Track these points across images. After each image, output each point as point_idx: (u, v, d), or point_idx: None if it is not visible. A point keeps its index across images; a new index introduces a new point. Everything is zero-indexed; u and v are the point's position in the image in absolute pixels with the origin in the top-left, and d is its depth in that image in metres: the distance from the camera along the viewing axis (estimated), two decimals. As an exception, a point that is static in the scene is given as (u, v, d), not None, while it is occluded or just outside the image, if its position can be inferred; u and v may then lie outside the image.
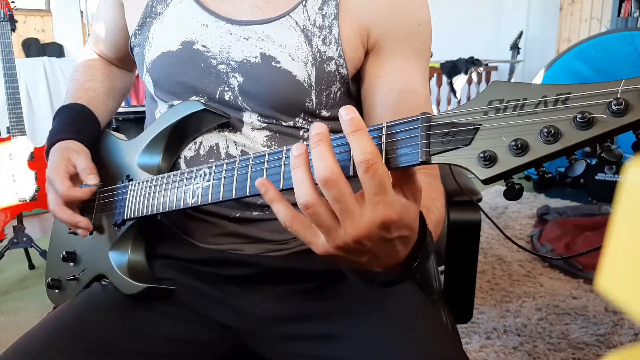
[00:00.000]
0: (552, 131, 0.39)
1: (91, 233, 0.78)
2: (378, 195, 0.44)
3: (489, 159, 0.41)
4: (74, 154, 0.78)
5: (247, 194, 0.56)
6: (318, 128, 0.46)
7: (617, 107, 0.37)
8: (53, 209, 0.76)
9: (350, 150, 0.45)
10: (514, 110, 0.41)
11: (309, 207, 0.45)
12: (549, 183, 0.41)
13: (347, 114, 0.44)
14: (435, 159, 0.44)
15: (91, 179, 0.75)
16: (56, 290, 0.87)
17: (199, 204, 0.62)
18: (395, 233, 0.46)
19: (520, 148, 0.40)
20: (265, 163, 0.54)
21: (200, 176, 0.62)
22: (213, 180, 0.60)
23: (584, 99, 0.38)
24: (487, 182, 0.42)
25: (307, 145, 0.47)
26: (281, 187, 0.52)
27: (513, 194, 0.43)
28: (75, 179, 0.77)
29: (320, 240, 0.47)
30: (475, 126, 0.42)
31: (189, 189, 0.64)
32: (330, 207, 0.45)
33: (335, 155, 0.45)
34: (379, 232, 0.45)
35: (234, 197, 0.57)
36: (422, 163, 0.44)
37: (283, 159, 0.52)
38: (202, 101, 0.73)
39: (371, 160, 0.43)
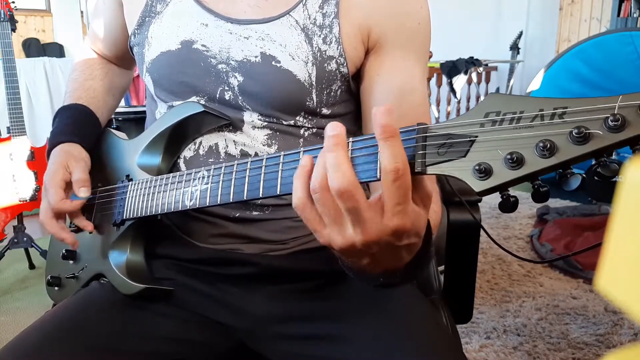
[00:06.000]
0: (548, 145, 0.39)
1: (90, 232, 0.78)
2: (400, 205, 0.43)
3: (484, 172, 0.41)
4: (72, 162, 0.77)
5: (245, 198, 0.56)
6: (335, 129, 0.44)
7: (613, 122, 0.37)
8: (42, 219, 0.76)
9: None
10: (510, 123, 0.41)
11: (316, 192, 0.44)
12: (544, 197, 0.41)
13: (381, 118, 0.42)
14: (430, 170, 0.44)
15: (82, 192, 0.75)
16: (56, 288, 0.88)
17: (197, 206, 0.62)
18: (405, 241, 0.46)
19: (516, 161, 0.40)
20: (263, 168, 0.54)
21: (199, 179, 0.62)
22: (211, 183, 0.60)
23: (581, 114, 0.38)
24: (482, 194, 0.42)
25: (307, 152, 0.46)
26: (278, 193, 0.52)
27: (508, 206, 0.43)
28: (70, 186, 0.77)
29: (326, 231, 0.46)
30: (471, 138, 0.42)
31: (187, 191, 0.64)
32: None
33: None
34: (390, 239, 0.45)
35: (231, 201, 0.57)
36: (417, 173, 0.44)
37: (281, 164, 0.52)
38: (203, 101, 0.73)
39: (402, 170, 0.42)
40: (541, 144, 0.39)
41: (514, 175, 0.40)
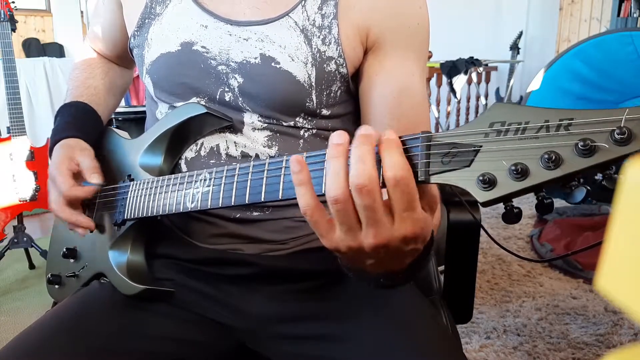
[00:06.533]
0: (553, 157, 0.38)
1: (91, 231, 0.78)
2: (406, 211, 0.44)
3: (488, 182, 0.41)
4: (78, 152, 0.77)
5: (247, 202, 0.56)
6: (367, 130, 0.45)
7: (620, 136, 0.36)
8: (55, 208, 0.76)
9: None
10: (515, 134, 0.40)
11: (339, 202, 0.44)
12: (548, 209, 0.41)
13: (383, 133, 0.44)
14: (434, 179, 0.44)
15: (94, 178, 0.75)
16: (56, 286, 0.88)
17: (198, 208, 0.62)
18: (412, 246, 0.46)
19: (520, 173, 0.40)
20: (265, 172, 0.54)
21: (201, 181, 0.62)
22: (213, 186, 0.60)
23: (587, 126, 0.38)
24: (486, 205, 0.42)
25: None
26: (280, 197, 0.52)
27: (511, 217, 0.42)
28: (77, 176, 0.77)
29: (335, 236, 0.47)
30: (476, 148, 0.42)
31: (189, 193, 0.64)
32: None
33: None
34: (399, 244, 0.45)
35: (232, 204, 0.57)
36: (421, 182, 0.44)
37: (283, 169, 0.52)
38: (203, 102, 0.73)
39: (401, 177, 0.42)
40: (546, 156, 0.39)
41: (519, 187, 0.40)
